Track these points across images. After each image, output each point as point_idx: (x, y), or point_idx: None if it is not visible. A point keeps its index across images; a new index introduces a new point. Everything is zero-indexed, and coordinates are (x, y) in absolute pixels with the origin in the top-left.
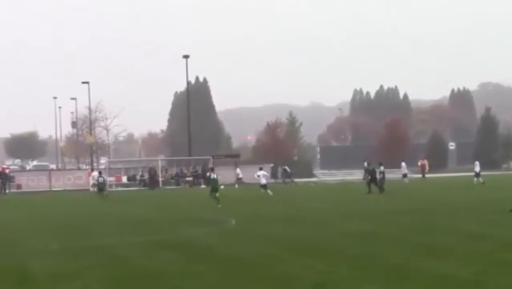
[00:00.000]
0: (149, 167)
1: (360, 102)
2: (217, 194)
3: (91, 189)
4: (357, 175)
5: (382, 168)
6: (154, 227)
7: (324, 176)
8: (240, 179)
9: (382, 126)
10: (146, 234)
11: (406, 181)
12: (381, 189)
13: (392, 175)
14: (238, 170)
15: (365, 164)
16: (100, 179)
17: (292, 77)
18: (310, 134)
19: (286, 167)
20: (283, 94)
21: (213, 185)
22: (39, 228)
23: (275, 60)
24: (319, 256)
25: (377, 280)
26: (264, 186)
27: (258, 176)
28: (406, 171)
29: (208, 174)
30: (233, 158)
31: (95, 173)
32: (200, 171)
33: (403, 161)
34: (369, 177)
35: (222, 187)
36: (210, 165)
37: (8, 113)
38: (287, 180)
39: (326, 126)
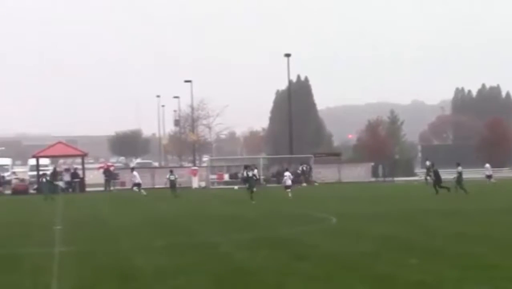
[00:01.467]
0: (244, 165)
1: (462, 101)
2: (253, 191)
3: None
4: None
5: (459, 168)
6: (256, 224)
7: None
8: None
9: (483, 126)
10: (248, 232)
11: (493, 181)
12: (463, 189)
13: (473, 175)
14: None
15: (427, 163)
16: (172, 177)
17: (394, 75)
18: (411, 133)
19: (305, 166)
20: (384, 93)
21: (250, 182)
22: (143, 224)
23: (376, 58)
24: (420, 255)
25: (479, 280)
26: (288, 187)
27: (285, 176)
28: (490, 172)
29: (245, 172)
30: (334, 156)
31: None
32: (303, 169)
33: (487, 162)
34: (433, 178)
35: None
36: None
37: (113, 112)
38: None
39: (427, 125)
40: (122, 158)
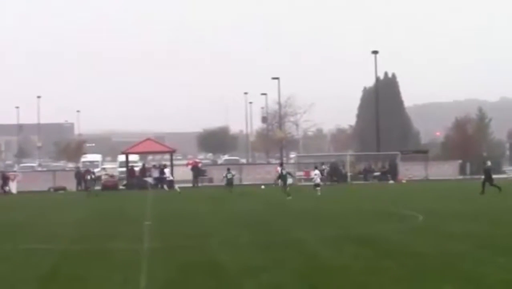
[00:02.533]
0: (330, 162)
1: None
2: (287, 188)
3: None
4: None
5: (488, 163)
6: (342, 221)
7: None
8: None
9: None
10: (334, 229)
11: None
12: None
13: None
14: None
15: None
16: (229, 175)
17: (482, 72)
18: (499, 131)
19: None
20: (472, 90)
21: (284, 179)
22: (230, 220)
23: (464, 55)
24: (508, 254)
25: None
26: (317, 185)
27: (315, 174)
28: None
29: (280, 169)
30: (421, 153)
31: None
32: (387, 166)
33: None
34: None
35: (291, 181)
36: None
37: (201, 109)
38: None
39: None
40: (209, 155)
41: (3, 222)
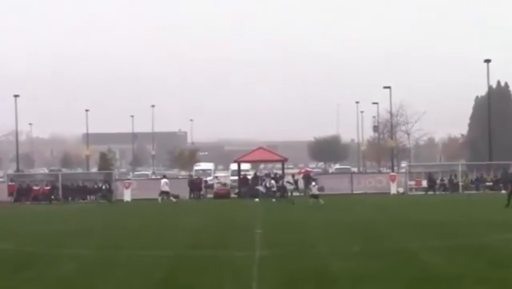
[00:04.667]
0: (429, 172)
1: None
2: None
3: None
4: None
5: None
6: (455, 231)
7: None
8: None
9: None
10: (447, 238)
11: None
12: None
13: None
14: None
15: None
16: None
17: None
18: None
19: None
20: None
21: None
22: (340, 229)
23: None
24: None
25: None
26: (315, 196)
27: (312, 185)
28: None
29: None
30: None
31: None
32: (499, 176)
33: None
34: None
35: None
36: None
37: (312, 118)
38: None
39: None
40: (321, 164)
41: (119, 228)
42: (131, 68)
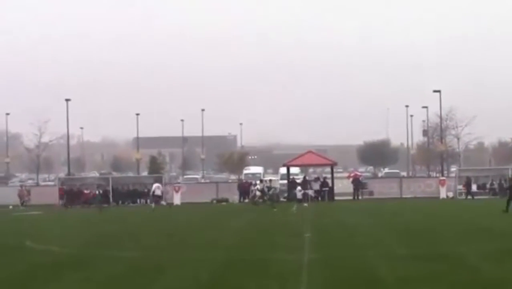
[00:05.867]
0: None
1: None
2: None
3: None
4: None
5: None
6: (505, 235)
7: None
8: None
9: None
10: (497, 243)
11: None
12: None
13: None
14: None
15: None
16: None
17: None
18: None
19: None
20: None
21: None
22: (388, 233)
23: None
24: None
25: None
26: (299, 200)
27: (297, 190)
28: None
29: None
30: None
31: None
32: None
33: None
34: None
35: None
36: None
37: (362, 122)
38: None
39: None
40: (370, 168)
41: (169, 231)
42: (182, 72)
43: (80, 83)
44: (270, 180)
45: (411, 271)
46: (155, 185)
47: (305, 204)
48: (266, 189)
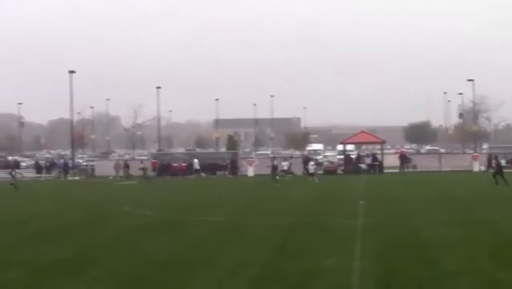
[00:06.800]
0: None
1: None
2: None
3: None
4: None
5: None
6: None
7: None
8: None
9: None
10: None
11: None
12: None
13: None
14: None
15: None
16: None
17: None
18: None
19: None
20: None
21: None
22: (432, 202)
23: None
24: None
25: None
26: (311, 174)
27: (310, 164)
28: None
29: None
30: None
31: None
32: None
33: None
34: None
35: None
36: None
37: (404, 105)
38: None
39: None
40: (414, 145)
41: (243, 199)
42: (257, 60)
43: (171, 71)
44: (326, 156)
45: (450, 235)
46: (195, 160)
47: (316, 180)
48: (286, 167)
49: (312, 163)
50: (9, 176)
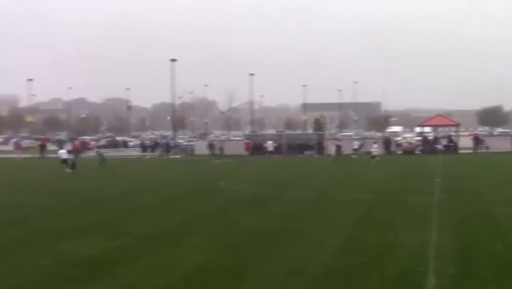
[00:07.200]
0: None
1: None
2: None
3: None
4: None
5: None
6: None
7: None
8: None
9: None
10: None
11: None
12: None
13: None
14: None
15: None
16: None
17: None
18: None
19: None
20: None
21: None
22: (504, 181)
23: None
24: None
25: None
26: (374, 156)
27: (373, 147)
28: None
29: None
30: None
31: None
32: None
33: None
34: None
35: None
36: None
37: (476, 88)
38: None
39: None
40: (486, 128)
41: (329, 176)
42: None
43: (264, 58)
44: (405, 137)
45: None
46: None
47: (377, 158)
48: (357, 146)
49: (375, 146)
50: (98, 156)
